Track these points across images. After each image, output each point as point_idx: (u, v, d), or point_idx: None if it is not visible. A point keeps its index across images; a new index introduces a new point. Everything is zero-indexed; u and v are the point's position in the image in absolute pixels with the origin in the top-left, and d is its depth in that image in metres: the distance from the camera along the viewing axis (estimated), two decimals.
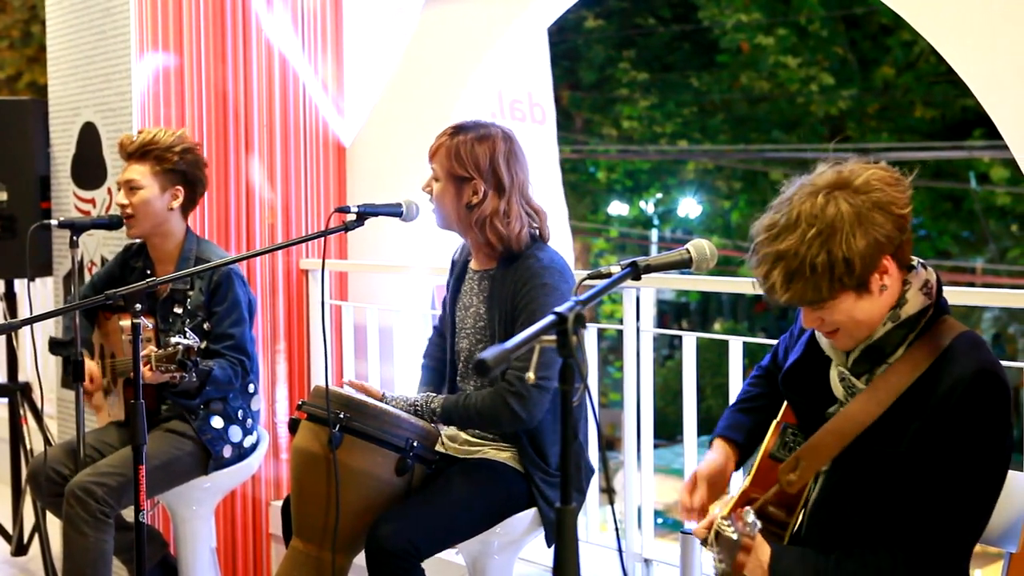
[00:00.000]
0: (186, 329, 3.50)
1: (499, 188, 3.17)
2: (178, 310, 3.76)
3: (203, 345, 3.71)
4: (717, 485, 2.51)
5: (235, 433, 3.82)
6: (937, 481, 2.14)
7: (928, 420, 2.14)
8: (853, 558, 2.18)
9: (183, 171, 3.78)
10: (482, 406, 3.09)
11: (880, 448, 2.19)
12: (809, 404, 2.37)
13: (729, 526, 2.18)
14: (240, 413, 3.84)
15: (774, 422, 2.43)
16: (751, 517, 2.16)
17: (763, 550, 2.17)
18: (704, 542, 2.33)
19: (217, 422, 3.78)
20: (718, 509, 2.38)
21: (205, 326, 3.74)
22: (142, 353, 3.08)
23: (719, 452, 2.56)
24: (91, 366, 3.82)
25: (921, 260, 2.27)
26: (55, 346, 4.00)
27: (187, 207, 3.85)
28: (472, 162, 3.16)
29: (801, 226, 2.13)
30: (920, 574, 2.14)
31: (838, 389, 2.30)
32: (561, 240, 5.39)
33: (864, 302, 2.18)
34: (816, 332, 2.35)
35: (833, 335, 2.25)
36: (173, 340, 3.25)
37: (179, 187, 3.79)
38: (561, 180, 6.08)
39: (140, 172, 3.75)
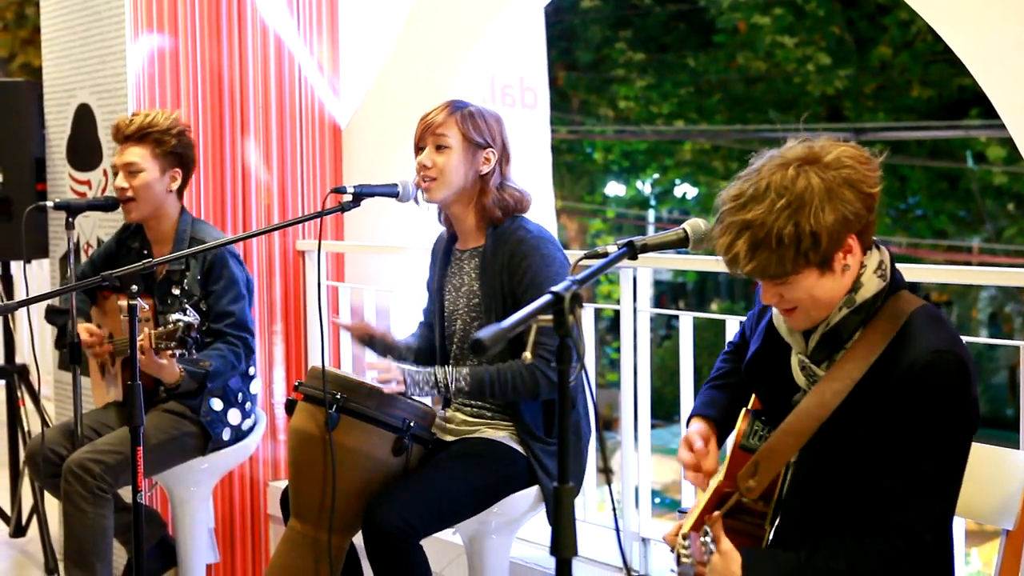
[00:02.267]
0: (186, 306, 3.51)
1: (503, 158, 3.25)
2: (175, 291, 3.76)
3: (204, 327, 3.72)
4: (709, 443, 2.48)
5: (234, 416, 3.83)
6: (898, 465, 2.12)
7: (885, 404, 2.12)
8: (822, 550, 2.15)
9: (180, 153, 3.81)
10: (518, 379, 3.09)
11: (843, 434, 2.17)
12: (773, 393, 2.35)
13: (687, 547, 2.15)
14: (239, 396, 3.85)
15: (744, 410, 2.41)
16: (708, 538, 2.13)
17: (733, 558, 2.14)
18: (673, 549, 2.32)
19: (217, 404, 3.78)
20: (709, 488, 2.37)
21: (202, 305, 3.74)
22: (140, 335, 3.08)
23: (699, 423, 2.54)
24: (91, 327, 3.80)
25: (875, 239, 2.24)
26: (52, 313, 4.00)
27: (181, 188, 3.87)
28: (488, 130, 3.22)
29: (770, 196, 2.09)
30: (889, 558, 2.13)
31: (799, 378, 2.28)
32: (547, 226, 5.41)
33: (826, 280, 2.15)
34: (773, 319, 2.33)
35: (790, 313, 2.22)
36: (173, 317, 3.26)
37: (177, 169, 3.82)
38: (551, 165, 6.07)
39: (139, 155, 3.75)
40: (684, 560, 2.14)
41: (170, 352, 3.30)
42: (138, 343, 3.00)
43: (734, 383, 2.58)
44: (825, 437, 2.19)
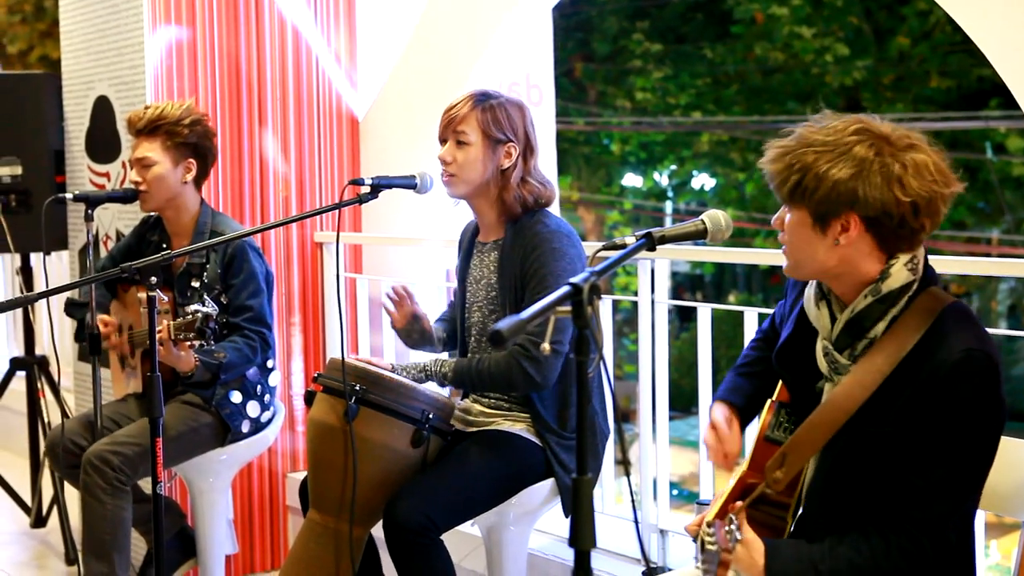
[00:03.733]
0: (205, 297, 3.51)
1: (527, 152, 3.23)
2: (195, 284, 3.77)
3: (223, 320, 3.72)
4: (732, 426, 2.50)
5: (253, 408, 3.84)
6: (924, 462, 2.12)
7: (914, 400, 2.12)
8: (845, 544, 2.15)
9: (194, 143, 3.79)
10: (496, 369, 3.09)
11: (869, 429, 2.17)
12: (800, 380, 2.36)
13: (712, 535, 2.15)
14: (258, 388, 3.85)
15: (768, 401, 2.41)
16: (733, 525, 2.13)
17: (756, 548, 2.15)
18: (695, 539, 2.32)
19: (236, 397, 3.79)
20: (730, 481, 2.37)
21: (222, 299, 3.75)
22: (159, 327, 3.09)
23: (722, 407, 2.56)
24: (104, 316, 3.81)
25: None
26: (72, 307, 4.00)
27: (199, 179, 3.86)
28: (510, 125, 3.20)
29: (827, 131, 2.17)
30: (913, 555, 2.12)
31: (822, 364, 2.28)
32: None
33: (814, 237, 2.18)
34: (804, 302, 2.34)
35: (784, 251, 2.28)
36: (191, 308, 3.27)
37: (191, 160, 3.80)
38: (556, 161, 6.07)
39: (151, 148, 3.75)
40: (709, 547, 2.13)
41: (189, 343, 3.31)
42: (157, 335, 3.01)
43: (760, 371, 2.58)
44: (851, 430, 2.19)
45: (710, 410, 2.58)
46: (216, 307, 3.29)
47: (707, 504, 2.90)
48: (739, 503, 2.22)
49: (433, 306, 4.54)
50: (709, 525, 2.17)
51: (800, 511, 2.34)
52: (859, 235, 2.16)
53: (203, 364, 3.52)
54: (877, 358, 2.16)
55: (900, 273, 2.18)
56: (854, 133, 2.15)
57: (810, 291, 2.32)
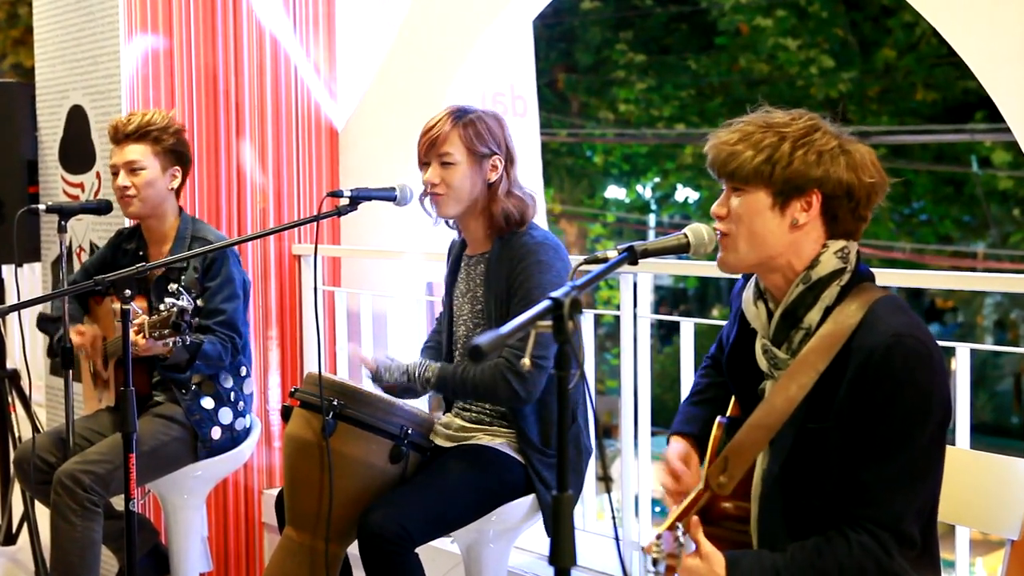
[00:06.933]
0: (180, 289, 3.44)
1: (510, 162, 3.21)
2: (172, 287, 3.72)
3: (195, 321, 3.66)
4: (690, 463, 2.50)
5: (225, 415, 3.78)
6: (869, 457, 2.12)
7: (852, 393, 2.12)
8: (808, 548, 2.14)
9: (179, 152, 3.80)
10: (480, 380, 3.06)
11: (812, 427, 2.17)
12: (747, 385, 2.36)
13: (659, 545, 2.15)
14: (232, 395, 3.81)
15: (718, 418, 2.40)
16: (679, 532, 2.15)
17: (716, 560, 2.14)
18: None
19: (207, 403, 3.74)
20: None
21: (199, 302, 3.70)
22: (134, 324, 3.04)
23: (679, 442, 2.56)
24: (80, 326, 3.76)
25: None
26: (44, 322, 3.95)
27: (179, 188, 3.86)
28: (493, 138, 3.18)
29: (784, 118, 2.24)
30: (877, 552, 2.10)
31: (762, 362, 2.29)
32: None
33: (772, 218, 2.21)
34: (743, 303, 2.35)
35: (724, 242, 2.27)
36: (167, 302, 3.18)
37: (177, 167, 3.80)
38: (541, 172, 6.07)
39: (140, 152, 3.73)
40: (655, 556, 2.12)
41: (164, 341, 3.22)
42: (132, 330, 2.96)
43: (712, 397, 2.60)
44: (796, 431, 2.19)
45: (667, 444, 2.57)
46: (191, 300, 3.20)
47: None
48: (694, 516, 2.23)
49: (411, 319, 4.50)
50: (659, 538, 2.17)
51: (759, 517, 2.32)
52: (816, 215, 2.21)
53: (180, 343, 3.44)
54: (811, 356, 2.18)
55: (829, 261, 2.22)
56: (809, 121, 2.24)
57: (748, 293, 2.34)
